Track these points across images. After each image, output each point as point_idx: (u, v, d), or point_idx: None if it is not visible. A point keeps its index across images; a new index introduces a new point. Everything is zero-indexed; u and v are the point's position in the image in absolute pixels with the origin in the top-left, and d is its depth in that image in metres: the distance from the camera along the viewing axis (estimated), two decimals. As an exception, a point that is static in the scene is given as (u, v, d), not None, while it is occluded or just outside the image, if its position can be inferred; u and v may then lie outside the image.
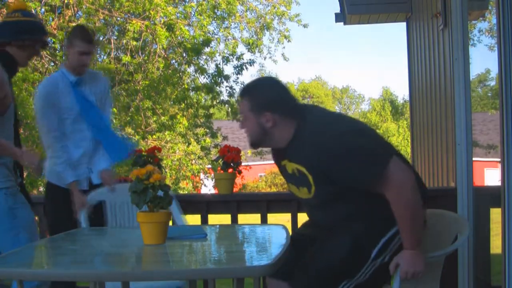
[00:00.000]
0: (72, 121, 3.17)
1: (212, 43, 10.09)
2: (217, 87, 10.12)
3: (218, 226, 2.97)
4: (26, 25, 2.76)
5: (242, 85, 10.86)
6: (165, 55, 9.62)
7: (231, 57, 10.20)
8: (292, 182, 2.36)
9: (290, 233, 2.42)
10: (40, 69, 9.56)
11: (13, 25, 2.74)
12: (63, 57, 9.54)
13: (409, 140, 9.14)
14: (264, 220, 3.64)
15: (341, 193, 2.22)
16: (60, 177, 3.11)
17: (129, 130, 9.87)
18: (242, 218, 3.64)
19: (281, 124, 2.27)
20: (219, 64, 10.13)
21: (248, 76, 66.80)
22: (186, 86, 10.09)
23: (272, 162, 2.50)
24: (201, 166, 10.88)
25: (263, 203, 3.63)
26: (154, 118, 10.22)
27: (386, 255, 2.20)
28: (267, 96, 2.31)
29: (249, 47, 10.37)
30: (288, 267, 2.23)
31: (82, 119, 3.17)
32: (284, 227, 2.48)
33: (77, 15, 9.38)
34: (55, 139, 3.10)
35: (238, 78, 10.37)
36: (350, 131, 2.23)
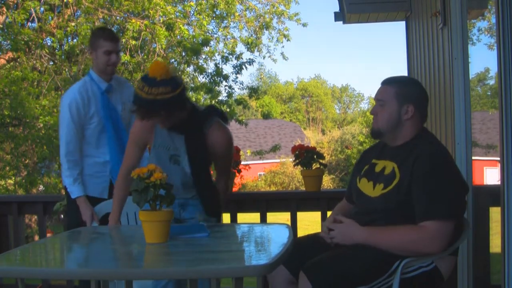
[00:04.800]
0: (99, 130, 3.17)
1: (211, 43, 10.09)
2: (216, 87, 10.10)
3: (217, 225, 2.97)
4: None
5: (244, 85, 10.88)
6: (164, 55, 9.61)
7: (230, 56, 10.19)
8: (370, 177, 2.43)
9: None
10: (39, 68, 9.55)
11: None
12: (62, 57, 9.52)
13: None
14: (263, 219, 3.64)
15: (399, 208, 2.27)
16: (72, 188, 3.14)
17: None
18: (242, 217, 3.64)
19: (413, 121, 2.37)
20: (218, 63, 10.13)
21: (248, 75, 66.78)
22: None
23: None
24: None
25: (263, 202, 3.64)
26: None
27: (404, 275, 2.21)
28: (415, 90, 2.42)
29: (248, 46, 10.35)
30: (296, 259, 2.30)
31: (108, 127, 3.16)
32: (288, 227, 2.49)
33: (76, 14, 9.37)
34: (68, 153, 3.11)
35: (237, 77, 10.37)
36: (456, 174, 2.31)
